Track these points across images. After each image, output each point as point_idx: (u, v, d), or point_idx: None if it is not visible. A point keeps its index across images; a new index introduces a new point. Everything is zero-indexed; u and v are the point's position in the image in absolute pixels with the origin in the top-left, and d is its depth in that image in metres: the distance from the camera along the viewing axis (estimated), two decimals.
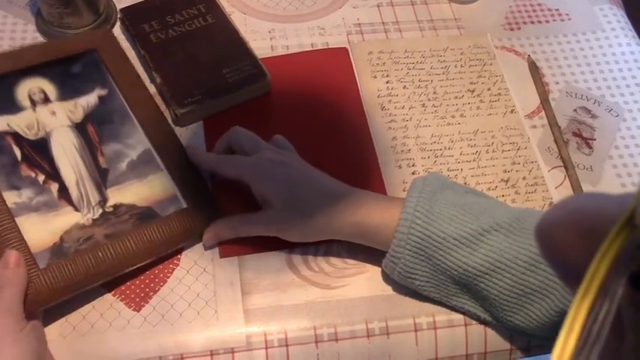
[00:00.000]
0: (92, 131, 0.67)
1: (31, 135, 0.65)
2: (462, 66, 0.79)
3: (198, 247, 0.64)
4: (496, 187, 0.70)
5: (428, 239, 0.57)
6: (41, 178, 0.63)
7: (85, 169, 0.65)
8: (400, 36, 0.83)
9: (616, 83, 0.81)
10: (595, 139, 0.75)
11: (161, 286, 0.62)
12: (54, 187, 0.63)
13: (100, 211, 0.63)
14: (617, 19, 0.87)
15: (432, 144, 0.73)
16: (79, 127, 0.67)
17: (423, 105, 0.76)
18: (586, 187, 0.71)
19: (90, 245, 0.60)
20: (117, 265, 0.60)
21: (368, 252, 0.64)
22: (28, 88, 0.68)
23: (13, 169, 0.63)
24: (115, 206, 0.64)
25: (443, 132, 0.74)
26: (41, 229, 0.60)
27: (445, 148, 0.72)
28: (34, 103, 0.67)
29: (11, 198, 0.61)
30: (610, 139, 0.75)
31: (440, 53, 0.81)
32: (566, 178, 0.72)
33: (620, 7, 0.90)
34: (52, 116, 0.67)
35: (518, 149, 0.73)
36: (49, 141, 0.66)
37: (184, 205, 0.64)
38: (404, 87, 0.77)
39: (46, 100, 0.68)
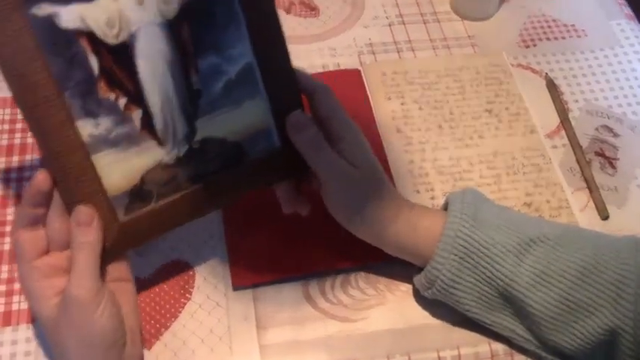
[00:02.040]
0: (187, 34, 0.52)
1: (111, 37, 0.49)
2: (477, 85, 0.77)
3: (211, 279, 0.62)
4: (519, 211, 0.67)
5: (475, 244, 0.55)
6: (122, 101, 0.50)
7: (174, 91, 0.52)
8: (413, 55, 0.81)
9: (637, 100, 0.78)
10: (618, 159, 0.72)
11: (172, 321, 0.59)
12: (136, 114, 0.51)
13: (187, 147, 0.54)
14: (634, 33, 0.85)
15: (451, 167, 0.70)
16: (172, 27, 0.51)
17: (440, 126, 0.73)
18: (612, 210, 0.68)
19: (172, 188, 0.54)
20: (198, 210, 0.56)
21: (388, 281, 0.62)
22: None
23: (89, 87, 0.49)
24: (203, 141, 0.54)
25: (461, 154, 0.71)
26: (120, 169, 0.51)
27: (464, 171, 0.70)
28: None
29: (87, 129, 0.49)
30: (634, 159, 0.72)
31: (455, 72, 0.78)
32: (591, 200, 0.69)
33: (637, 21, 0.88)
34: (138, 7, 0.49)
35: (539, 171, 0.70)
36: (134, 47, 0.50)
37: (277, 143, 0.57)
38: (419, 108, 0.75)
39: None
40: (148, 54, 0.50)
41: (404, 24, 0.85)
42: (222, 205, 0.57)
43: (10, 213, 0.65)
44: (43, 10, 0.46)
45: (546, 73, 0.80)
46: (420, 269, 0.58)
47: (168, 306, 0.60)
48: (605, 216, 0.67)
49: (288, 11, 0.85)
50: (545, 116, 0.76)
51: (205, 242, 0.64)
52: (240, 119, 0.55)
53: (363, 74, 0.78)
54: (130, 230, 0.53)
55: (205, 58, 0.53)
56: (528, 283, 0.54)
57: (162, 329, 0.59)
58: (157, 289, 0.61)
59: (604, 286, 0.53)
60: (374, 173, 0.58)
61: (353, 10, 0.86)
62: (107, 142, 0.50)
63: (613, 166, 0.72)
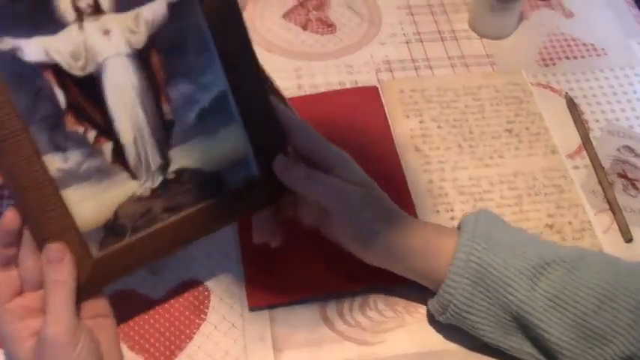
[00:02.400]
0: (157, 63, 0.50)
1: (77, 69, 0.47)
2: (497, 104, 0.76)
3: (227, 300, 0.61)
4: (541, 232, 0.65)
5: (488, 267, 0.53)
6: (92, 134, 0.49)
7: (145, 122, 0.50)
8: (431, 73, 0.80)
9: None
10: None
11: (187, 342, 0.58)
12: (107, 146, 0.50)
13: (161, 178, 0.52)
14: None
15: (471, 187, 0.69)
16: (141, 56, 0.49)
17: (459, 145, 0.72)
18: (635, 232, 0.66)
19: (148, 221, 0.52)
20: (176, 243, 0.54)
21: (407, 303, 0.61)
22: None
23: (56, 121, 0.47)
24: (179, 172, 0.53)
25: (481, 174, 0.70)
26: (92, 203, 0.50)
27: (484, 191, 0.68)
28: (79, 15, 0.47)
29: (55, 163, 0.48)
30: None
31: (474, 91, 0.77)
32: (614, 222, 0.67)
33: None
34: (104, 37, 0.48)
35: (561, 192, 0.69)
36: (101, 79, 0.48)
37: (256, 171, 0.56)
38: (438, 126, 0.74)
39: (97, 9, 0.47)
40: (116, 85, 0.49)
41: (421, 42, 0.84)
42: (201, 237, 0.56)
43: None
44: (4, 44, 0.45)
45: (566, 93, 0.79)
46: (434, 293, 0.57)
47: (182, 327, 0.59)
48: (628, 238, 0.66)
49: (304, 28, 0.84)
50: (565, 136, 0.74)
51: (220, 261, 0.63)
52: (215, 148, 0.54)
53: (380, 91, 0.77)
54: (105, 266, 0.51)
55: (177, 86, 0.51)
56: (542, 307, 0.52)
57: (177, 351, 0.57)
58: (171, 310, 0.60)
59: (621, 313, 0.51)
60: (376, 192, 0.57)
61: (370, 27, 0.85)
62: (77, 177, 0.49)
63: (636, 188, 0.70)
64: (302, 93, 0.77)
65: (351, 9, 0.87)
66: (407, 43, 0.84)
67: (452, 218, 0.66)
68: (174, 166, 0.53)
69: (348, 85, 0.78)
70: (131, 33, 0.49)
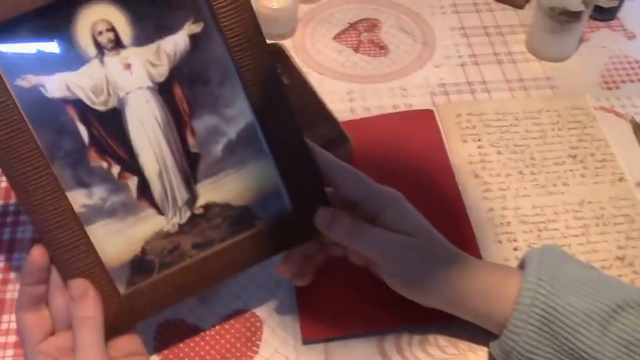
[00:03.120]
0: (180, 96, 0.49)
1: (99, 103, 0.47)
2: (559, 129, 0.73)
3: (280, 332, 0.58)
4: (611, 265, 0.62)
5: (554, 312, 0.49)
6: (116, 169, 0.48)
7: (170, 156, 0.49)
8: (488, 97, 0.77)
9: None
10: None
11: None
12: (132, 181, 0.49)
13: (188, 213, 0.51)
14: None
15: (534, 216, 0.65)
16: (163, 90, 0.49)
17: (521, 172, 0.69)
18: None
19: (176, 258, 0.51)
20: (207, 280, 0.52)
21: (470, 339, 0.57)
22: (91, 21, 0.46)
23: (79, 157, 0.47)
24: (207, 207, 0.51)
25: (545, 202, 0.66)
26: (118, 240, 0.49)
27: (549, 220, 0.65)
28: (100, 49, 0.47)
29: (79, 199, 0.47)
30: None
31: (534, 115, 0.74)
32: None
33: None
34: (126, 72, 0.48)
35: (632, 222, 0.65)
36: (123, 113, 0.48)
37: (288, 205, 0.53)
38: (498, 152, 0.70)
39: (118, 44, 0.47)
40: (139, 119, 0.48)
41: (477, 64, 0.81)
42: (233, 275, 0.54)
43: None
44: (27, 81, 0.45)
45: (632, 117, 0.75)
46: (496, 335, 0.53)
47: (233, 359, 0.56)
48: None
49: (356, 50, 0.82)
50: (633, 163, 0.70)
51: (273, 291, 0.60)
52: (245, 182, 0.52)
53: (436, 115, 0.74)
54: (134, 303, 0.50)
55: (201, 119, 0.50)
56: (614, 354, 0.48)
57: None
58: (222, 341, 0.57)
59: None
60: (430, 236, 0.54)
61: (424, 49, 0.83)
62: (102, 212, 0.48)
63: None
64: (355, 116, 0.74)
65: (404, 31, 0.85)
66: (462, 65, 0.81)
67: (515, 249, 0.63)
68: (201, 201, 0.51)
69: (402, 109, 0.76)
70: (152, 66, 0.49)
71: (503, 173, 0.69)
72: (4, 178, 0.69)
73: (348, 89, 0.78)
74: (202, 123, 0.50)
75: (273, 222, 0.53)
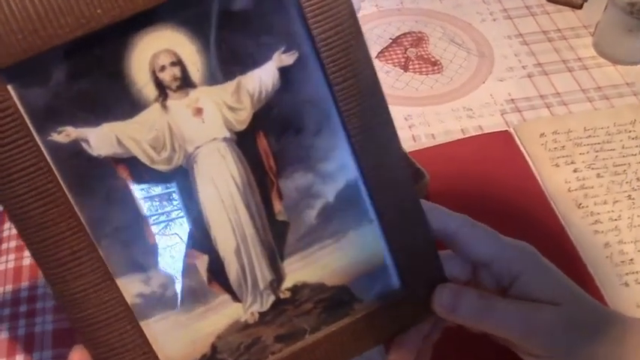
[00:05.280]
0: (265, 149, 0.38)
1: (160, 162, 0.36)
2: None
3: None
4: None
5: None
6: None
7: (251, 226, 0.39)
8: (567, 110, 0.67)
9: None
10: None
11: None
12: (201, 261, 0.39)
13: (272, 298, 0.40)
14: None
15: None
16: (243, 141, 0.38)
17: (630, 197, 0.58)
18: None
19: (256, 355, 0.40)
20: None
21: None
22: (150, 53, 0.34)
23: (134, 232, 0.37)
24: (295, 289, 0.41)
25: None
26: (182, 336, 0.39)
27: None
28: (162, 90, 0.35)
29: (133, 287, 0.37)
30: None
31: (628, 128, 0.64)
32: None
33: None
34: (196, 119, 0.36)
35: None
36: (191, 174, 0.37)
37: (396, 283, 0.42)
38: (597, 175, 0.60)
39: (185, 82, 0.36)
40: (212, 180, 0.37)
41: (545, 74, 0.71)
42: None
43: None
44: (65, 135, 0.34)
45: None
46: None
47: None
48: None
49: (405, 69, 0.72)
50: None
51: None
52: (343, 256, 0.40)
53: (515, 136, 0.64)
54: None
55: (292, 177, 0.39)
56: None
57: None
58: None
59: None
60: (578, 300, 0.42)
61: (481, 61, 0.72)
62: (162, 303, 0.38)
63: None
64: (419, 145, 0.64)
65: (454, 42, 0.74)
66: (529, 77, 0.71)
67: None
68: (289, 282, 0.40)
69: (472, 132, 0.65)
70: (231, 111, 0.37)
71: (609, 200, 0.58)
72: None
73: (405, 114, 0.67)
74: (292, 183, 0.39)
75: (377, 304, 0.41)
